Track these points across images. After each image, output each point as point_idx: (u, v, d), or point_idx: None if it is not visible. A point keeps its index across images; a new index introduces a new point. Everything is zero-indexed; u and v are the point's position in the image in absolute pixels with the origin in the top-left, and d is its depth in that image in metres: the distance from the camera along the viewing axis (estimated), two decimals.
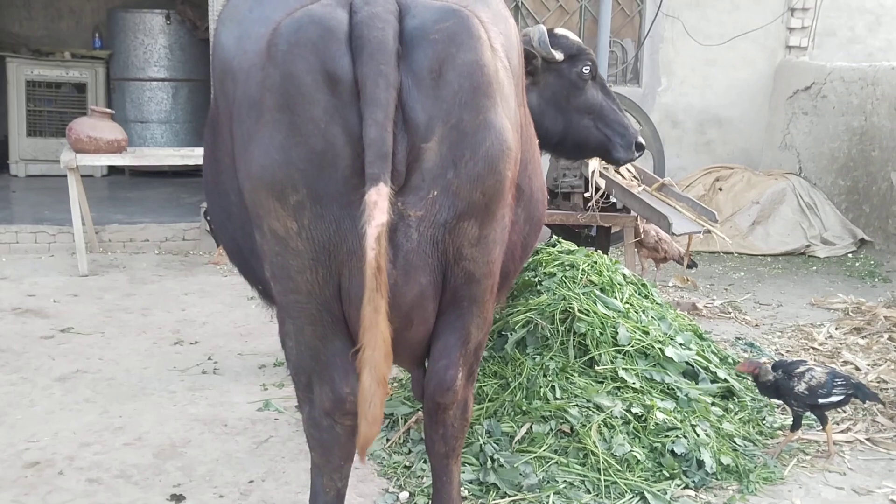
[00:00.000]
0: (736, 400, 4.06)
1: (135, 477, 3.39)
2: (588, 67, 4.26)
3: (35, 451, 3.59)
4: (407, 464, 3.50)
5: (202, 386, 4.43)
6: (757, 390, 3.89)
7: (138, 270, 6.91)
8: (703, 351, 4.24)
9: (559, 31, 4.42)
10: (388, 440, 3.70)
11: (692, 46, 9.11)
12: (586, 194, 5.93)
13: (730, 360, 4.40)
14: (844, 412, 4.14)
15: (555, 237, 4.81)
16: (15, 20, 11.17)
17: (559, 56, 4.22)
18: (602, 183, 5.91)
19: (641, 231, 6.37)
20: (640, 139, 4.44)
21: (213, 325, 5.49)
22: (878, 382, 4.52)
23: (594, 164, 5.99)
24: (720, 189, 8.92)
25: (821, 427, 3.74)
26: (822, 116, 8.80)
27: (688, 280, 6.98)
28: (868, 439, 3.92)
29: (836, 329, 5.65)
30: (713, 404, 3.88)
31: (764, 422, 3.97)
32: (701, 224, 5.65)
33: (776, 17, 9.20)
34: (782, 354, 5.14)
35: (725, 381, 4.06)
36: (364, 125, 2.09)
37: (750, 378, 3.90)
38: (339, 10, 2.18)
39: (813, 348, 5.26)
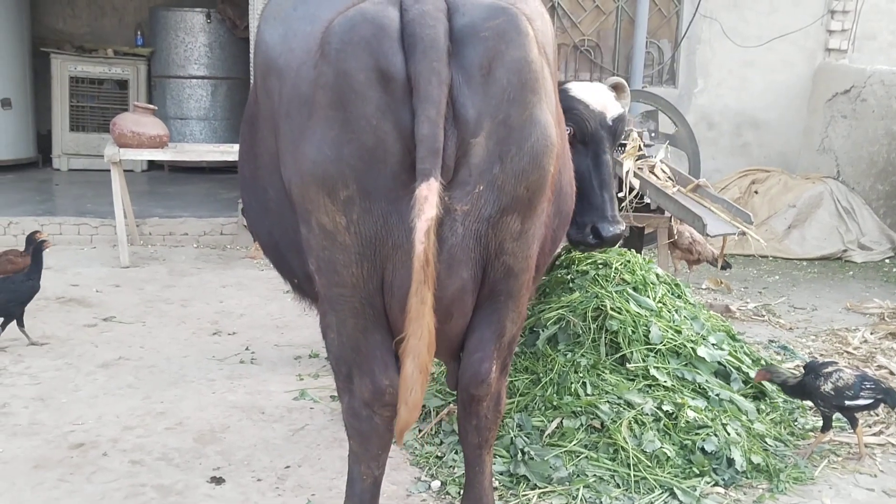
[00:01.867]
0: (768, 401, 4.07)
1: (176, 460, 3.49)
2: (569, 129, 3.81)
3: (80, 433, 3.71)
4: (439, 454, 3.57)
5: (240, 375, 4.53)
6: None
7: (178, 263, 7.05)
8: (735, 352, 4.25)
9: (574, 83, 4.11)
10: (420, 431, 3.76)
11: (729, 48, 9.08)
12: (619, 194, 5.95)
13: (762, 362, 4.41)
14: (877, 415, 4.13)
15: None
16: (59, 17, 11.43)
17: None
18: (636, 183, 5.94)
19: (675, 232, 6.38)
20: (605, 230, 3.80)
21: (250, 316, 5.60)
22: None
23: (628, 163, 6.01)
24: (756, 192, 8.87)
25: (851, 429, 3.73)
26: (861, 120, 8.71)
27: (721, 282, 6.96)
28: None
29: (872, 334, 5.61)
30: (746, 404, 3.89)
31: (795, 423, 3.98)
32: (736, 226, 5.65)
33: (815, 19, 9.13)
34: (816, 358, 5.11)
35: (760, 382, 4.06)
36: (417, 122, 2.14)
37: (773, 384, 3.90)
38: (391, 9, 2.24)
39: (847, 352, 5.24)
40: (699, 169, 6.91)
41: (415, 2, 2.24)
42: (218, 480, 3.31)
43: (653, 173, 5.99)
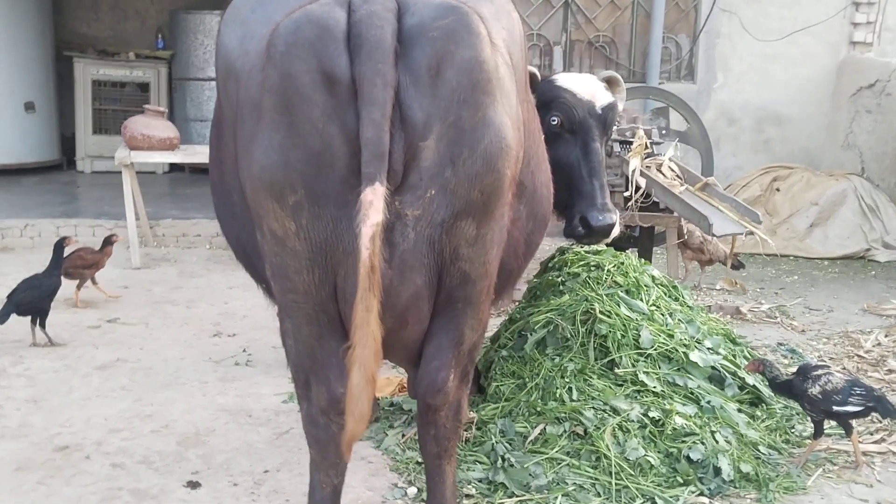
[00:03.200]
0: (764, 407, 3.97)
1: (156, 463, 3.50)
2: (557, 118, 3.89)
3: (66, 435, 3.73)
4: (419, 459, 3.50)
5: (233, 377, 4.53)
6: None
7: (188, 264, 7.10)
8: (734, 356, 4.15)
9: (562, 74, 4.10)
10: (403, 435, 3.72)
11: (750, 42, 8.91)
12: (626, 193, 5.86)
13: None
14: (879, 422, 4.00)
15: None
16: (83, 21, 11.60)
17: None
18: (643, 182, 5.83)
19: (686, 232, 6.26)
20: (599, 221, 3.84)
21: (252, 318, 5.60)
22: None
23: (635, 162, 5.91)
24: (777, 189, 8.69)
25: (847, 437, 3.62)
26: (886, 115, 8.48)
27: (736, 283, 6.81)
28: None
29: (886, 336, 5.44)
30: (739, 411, 3.79)
31: (792, 430, 3.87)
32: (744, 225, 5.52)
33: (838, 11, 8.90)
34: (824, 361, 4.98)
35: (755, 387, 3.96)
36: (361, 125, 2.10)
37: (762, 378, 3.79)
38: (338, 10, 2.20)
39: (858, 356, 5.09)
40: (712, 167, 6.77)
41: (363, 2, 2.20)
42: (194, 485, 3.30)
43: (661, 172, 5.87)
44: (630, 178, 5.83)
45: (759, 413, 3.90)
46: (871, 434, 3.91)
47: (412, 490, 3.30)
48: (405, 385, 4.29)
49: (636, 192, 5.80)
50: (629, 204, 5.83)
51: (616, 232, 4.03)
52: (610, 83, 4.15)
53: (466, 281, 2.39)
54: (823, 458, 3.65)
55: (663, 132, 6.57)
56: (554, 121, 3.93)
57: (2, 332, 5.18)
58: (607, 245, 6.51)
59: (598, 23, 8.78)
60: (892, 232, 8.19)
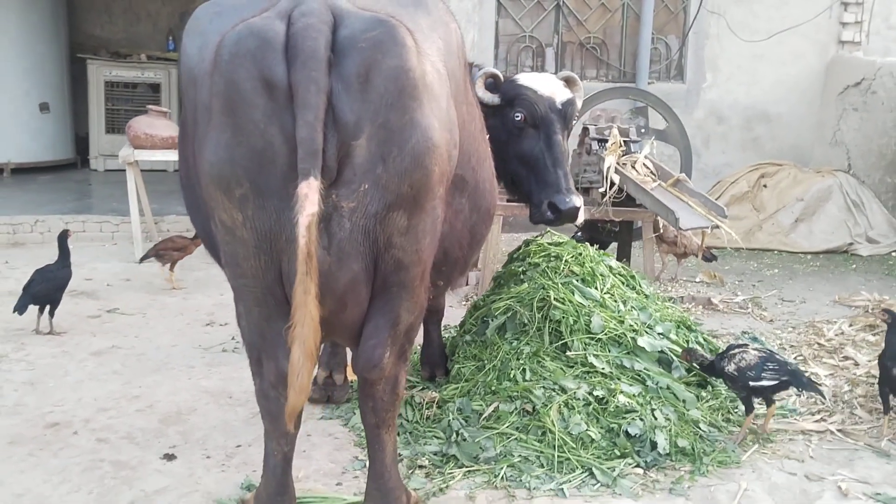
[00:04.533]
0: (710, 389, 4.20)
1: (138, 438, 3.80)
2: (520, 114, 4.17)
3: (58, 413, 4.04)
4: None
5: (219, 362, 4.83)
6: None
7: (189, 258, 7.39)
8: (687, 341, 4.38)
9: (523, 74, 4.39)
10: None
11: (738, 42, 9.10)
12: (600, 189, 6.10)
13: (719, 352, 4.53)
14: (822, 403, 4.22)
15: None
16: (96, 24, 11.99)
17: (494, 100, 4.22)
18: (617, 179, 6.08)
19: (661, 226, 6.49)
20: (562, 202, 4.13)
21: None
22: (868, 377, 4.56)
23: (610, 159, 6.16)
24: (765, 186, 8.88)
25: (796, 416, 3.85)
26: (871, 112, 8.65)
27: (715, 276, 7.03)
28: (840, 430, 4.01)
29: (850, 326, 5.65)
30: (686, 391, 4.03)
31: (736, 411, 4.10)
32: (710, 219, 5.75)
33: (824, 9, 9.06)
34: (785, 349, 5.20)
35: (699, 370, 4.19)
36: (297, 126, 2.37)
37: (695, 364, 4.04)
38: (277, 22, 2.47)
39: (819, 343, 5.30)
40: (691, 164, 7.00)
41: (301, 15, 2.46)
42: (170, 457, 3.60)
43: (634, 168, 6.12)
44: (605, 174, 6.09)
45: (704, 394, 4.14)
46: (812, 415, 4.14)
47: None
48: None
49: (611, 188, 6.06)
50: (604, 199, 6.09)
51: (581, 216, 4.29)
52: (569, 82, 4.41)
53: (400, 267, 2.65)
54: (764, 437, 3.87)
55: (642, 131, 6.81)
56: (518, 117, 4.21)
57: (8, 321, 5.53)
58: (581, 236, 6.79)
59: (589, 24, 9.00)
60: (876, 227, 8.36)
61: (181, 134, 3.16)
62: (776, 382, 3.72)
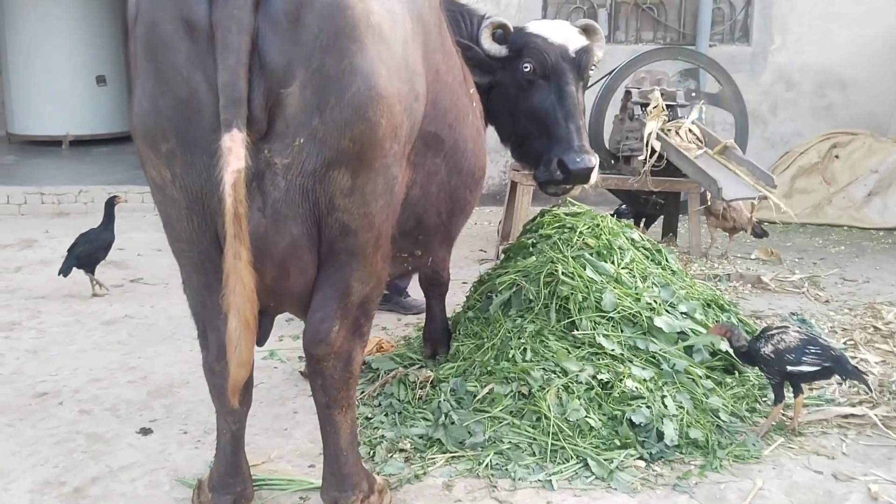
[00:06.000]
0: (737, 374, 3.82)
1: (121, 410, 3.67)
2: (529, 65, 3.82)
3: (50, 383, 3.96)
4: (369, 415, 3.57)
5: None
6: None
7: None
8: (717, 322, 4.00)
9: (533, 21, 4.05)
10: (362, 392, 3.77)
11: (810, 0, 8.42)
12: (640, 157, 5.71)
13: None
14: (867, 394, 3.79)
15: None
16: None
17: (501, 51, 3.87)
18: (658, 145, 5.67)
19: (709, 198, 6.05)
20: (577, 163, 3.76)
21: None
22: None
23: (651, 125, 5.75)
24: (837, 157, 8.26)
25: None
26: None
27: (772, 252, 6.53)
28: (884, 423, 3.57)
29: None
30: (707, 377, 3.67)
31: (764, 399, 3.71)
32: (758, 189, 5.30)
33: None
34: (836, 332, 4.74)
35: (727, 353, 3.81)
36: (217, 70, 2.13)
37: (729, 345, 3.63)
38: None
39: (875, 327, 4.81)
40: (746, 131, 6.50)
41: None
42: (146, 431, 3.46)
43: (679, 135, 5.70)
44: (646, 141, 5.69)
45: (729, 380, 3.76)
46: (853, 406, 3.71)
47: None
48: (382, 345, 4.35)
49: (651, 155, 5.66)
50: (645, 169, 5.70)
51: (595, 176, 3.94)
52: (587, 31, 4.05)
53: (347, 232, 2.39)
54: (792, 429, 3.48)
55: (692, 94, 6.34)
56: (526, 67, 3.87)
57: (30, 288, 5.54)
58: (625, 210, 6.39)
59: None
60: None
61: None
62: (817, 368, 3.32)
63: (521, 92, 3.86)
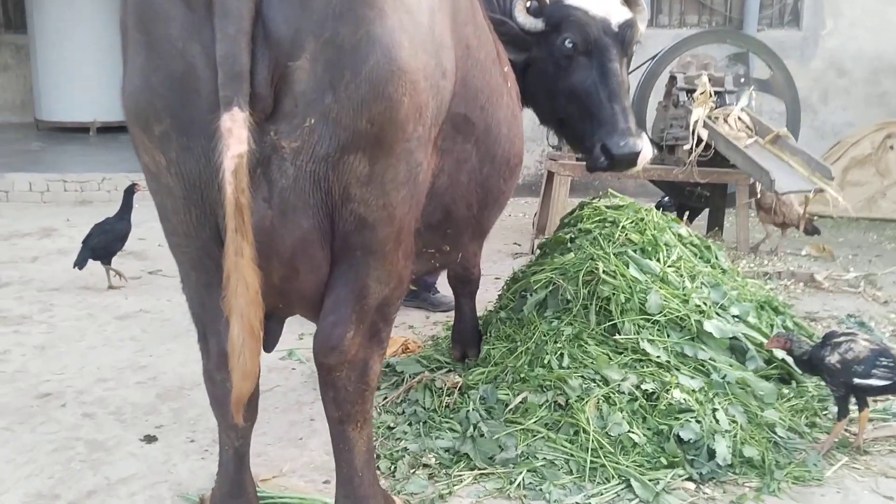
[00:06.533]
0: (794, 385, 3.48)
1: (126, 415, 3.43)
2: (570, 40, 3.47)
3: (54, 383, 3.73)
4: (391, 424, 3.29)
5: None
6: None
7: None
8: (771, 326, 3.67)
9: None
10: (385, 398, 3.49)
11: None
12: (686, 146, 5.36)
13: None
14: None
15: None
16: None
17: (537, 25, 3.53)
18: (705, 134, 5.31)
19: (759, 191, 5.68)
20: (622, 147, 3.42)
21: None
22: None
23: (698, 112, 5.39)
24: (892, 147, 7.81)
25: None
26: None
27: (824, 249, 6.14)
28: None
29: None
30: (762, 386, 3.33)
31: (825, 413, 3.37)
32: (813, 182, 4.92)
33: None
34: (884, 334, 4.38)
35: (784, 361, 3.47)
36: (215, 41, 1.85)
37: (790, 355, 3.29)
38: None
39: None
40: (799, 119, 6.11)
41: None
42: (150, 439, 3.21)
43: (727, 123, 5.33)
44: (692, 129, 5.33)
45: (786, 391, 3.42)
46: None
47: None
48: (408, 345, 4.07)
49: (697, 144, 5.30)
50: (691, 158, 5.35)
51: (645, 160, 3.59)
52: (629, 2, 3.70)
53: (363, 226, 2.10)
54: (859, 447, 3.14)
55: (741, 80, 5.96)
56: (568, 43, 3.51)
57: (44, 280, 5.34)
58: (669, 202, 6.04)
59: None
60: None
61: None
62: (888, 383, 2.98)
63: (559, 70, 3.53)
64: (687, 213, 6.35)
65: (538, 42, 3.53)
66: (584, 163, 3.74)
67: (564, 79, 3.52)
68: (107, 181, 7.76)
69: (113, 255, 5.20)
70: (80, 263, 5.07)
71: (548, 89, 3.55)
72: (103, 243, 5.15)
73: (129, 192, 5.37)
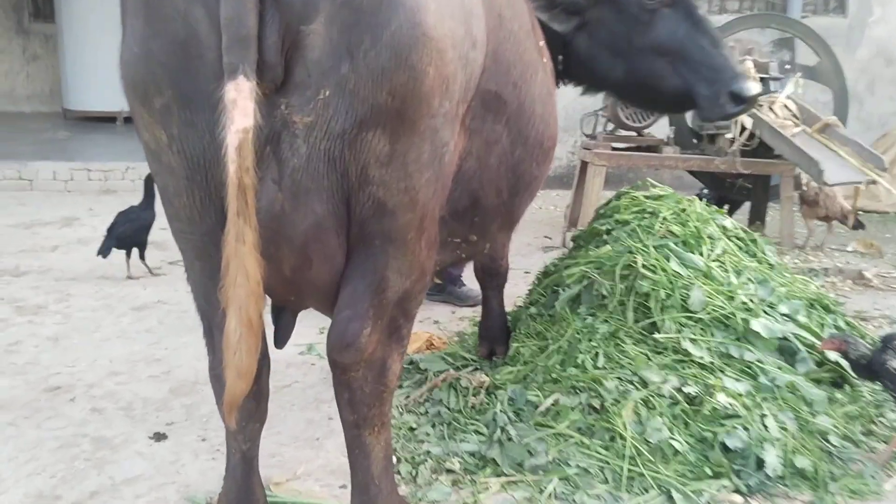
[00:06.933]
0: (848, 389, 3.23)
1: (137, 410, 3.27)
2: None
3: (64, 375, 3.59)
4: (414, 425, 3.09)
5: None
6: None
7: None
8: (821, 325, 3.41)
9: None
10: (408, 396, 3.29)
11: None
12: (728, 135, 5.09)
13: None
14: None
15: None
16: None
17: None
18: (749, 123, 5.04)
19: (804, 183, 5.40)
20: (746, 89, 3.21)
21: None
22: None
23: None
24: None
25: None
26: None
27: (872, 244, 5.84)
28: None
29: None
30: (813, 391, 3.08)
31: (881, 419, 3.12)
32: (865, 173, 4.64)
33: None
34: None
35: (837, 363, 3.22)
36: (220, 3, 1.67)
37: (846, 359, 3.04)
38: None
39: None
40: (846, 108, 5.80)
41: None
42: (159, 437, 3.04)
43: (772, 110, 5.06)
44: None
45: (839, 396, 3.17)
46: None
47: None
48: (433, 342, 3.87)
49: (740, 133, 5.04)
50: (733, 148, 5.08)
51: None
52: None
53: (383, 212, 1.90)
54: None
55: (786, 67, 5.68)
56: None
57: (63, 269, 5.22)
58: (708, 194, 5.77)
59: None
60: None
61: None
62: None
63: (638, 26, 3.22)
64: (727, 205, 6.07)
65: (596, 2, 3.26)
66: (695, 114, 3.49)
67: (646, 34, 3.21)
68: (131, 170, 7.65)
69: (137, 246, 5.09)
70: (104, 252, 4.96)
71: (618, 49, 3.26)
72: (129, 232, 5.04)
73: (151, 180, 5.24)
